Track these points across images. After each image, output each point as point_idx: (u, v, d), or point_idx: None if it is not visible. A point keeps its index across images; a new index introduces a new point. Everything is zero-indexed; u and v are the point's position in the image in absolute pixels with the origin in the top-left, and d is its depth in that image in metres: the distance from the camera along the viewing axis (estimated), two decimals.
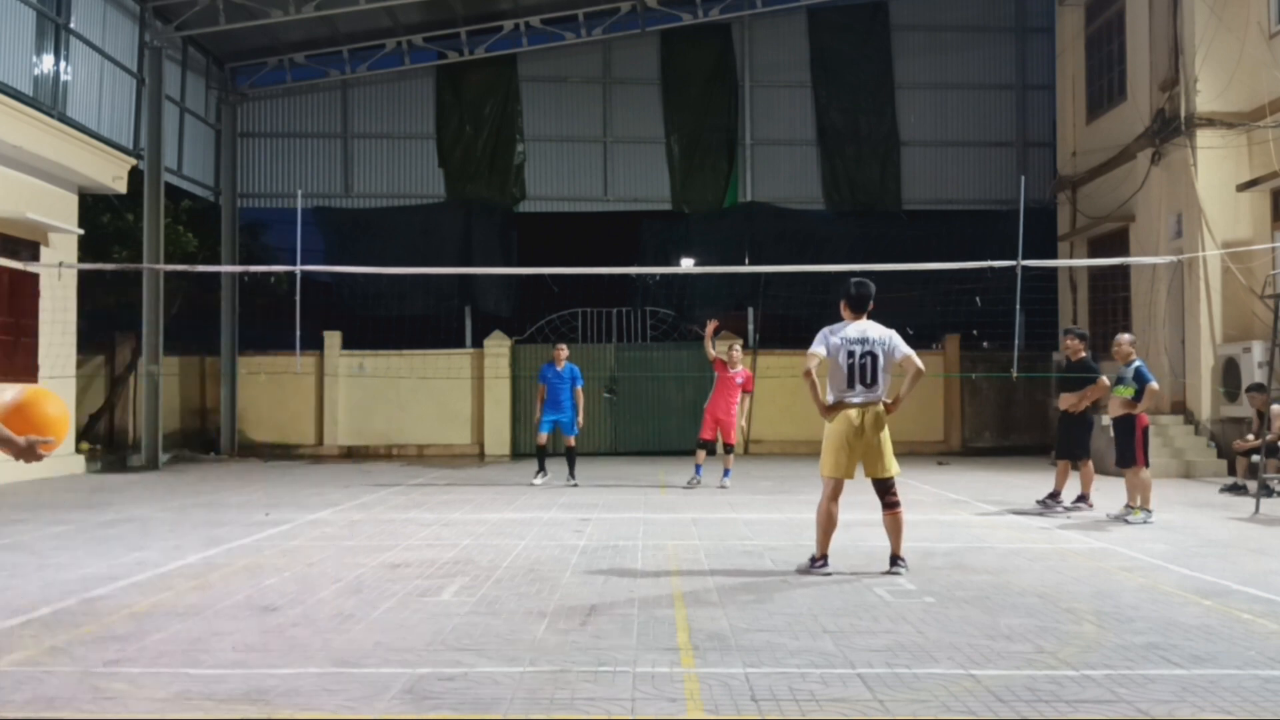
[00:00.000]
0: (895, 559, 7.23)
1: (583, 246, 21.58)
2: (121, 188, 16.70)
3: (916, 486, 13.34)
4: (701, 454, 13.88)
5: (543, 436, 13.98)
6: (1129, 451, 10.19)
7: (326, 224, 21.79)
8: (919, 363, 7.14)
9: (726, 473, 13.73)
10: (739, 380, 13.57)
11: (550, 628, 5.63)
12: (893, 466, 7.19)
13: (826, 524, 7.20)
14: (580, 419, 13.88)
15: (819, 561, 7.23)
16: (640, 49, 22.33)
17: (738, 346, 14.18)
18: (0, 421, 4.17)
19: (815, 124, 22.35)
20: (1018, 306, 12.90)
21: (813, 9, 22.29)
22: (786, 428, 20.33)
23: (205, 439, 20.84)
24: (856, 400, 7.11)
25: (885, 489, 7.20)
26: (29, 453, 4.21)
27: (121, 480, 14.93)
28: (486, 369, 20.49)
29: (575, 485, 13.61)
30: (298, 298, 13.67)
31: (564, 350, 13.95)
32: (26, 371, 15.06)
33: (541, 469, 14.01)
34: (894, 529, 7.24)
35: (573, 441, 13.98)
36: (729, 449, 13.81)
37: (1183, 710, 4.24)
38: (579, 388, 13.83)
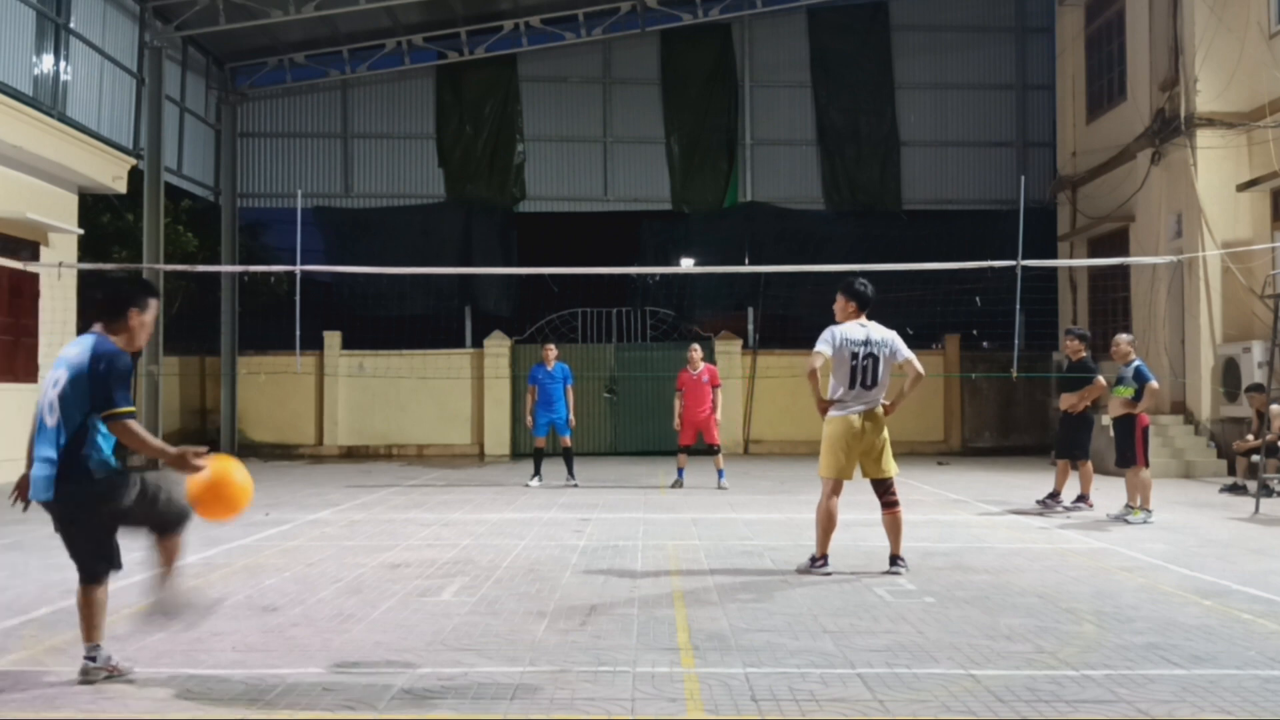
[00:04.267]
0: (895, 559, 7.24)
1: (583, 246, 21.59)
2: (121, 188, 16.70)
3: (916, 486, 13.34)
4: (682, 457, 13.92)
5: (540, 440, 13.92)
6: (1129, 451, 10.19)
7: (326, 224, 21.80)
8: (919, 366, 7.17)
9: (720, 474, 13.59)
10: (704, 379, 13.55)
11: (550, 628, 5.63)
12: (891, 467, 7.20)
13: (826, 524, 7.20)
14: (572, 418, 13.81)
15: (819, 561, 7.23)
16: (640, 49, 22.33)
17: (696, 346, 14.08)
18: (193, 499, 4.67)
19: (815, 124, 22.35)
20: (1018, 306, 12.90)
21: (813, 9, 22.29)
22: (786, 428, 20.33)
23: (205, 439, 20.81)
24: (856, 401, 7.12)
25: (884, 489, 7.21)
26: (180, 461, 4.54)
27: None
28: (486, 369, 20.49)
29: (575, 485, 13.56)
30: (298, 298, 13.67)
31: (553, 350, 13.85)
32: (26, 372, 15.06)
33: (537, 473, 13.90)
34: (893, 529, 7.24)
35: (569, 441, 13.92)
36: (715, 450, 13.68)
37: (1183, 710, 4.24)
38: (570, 386, 13.75)
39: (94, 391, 4.46)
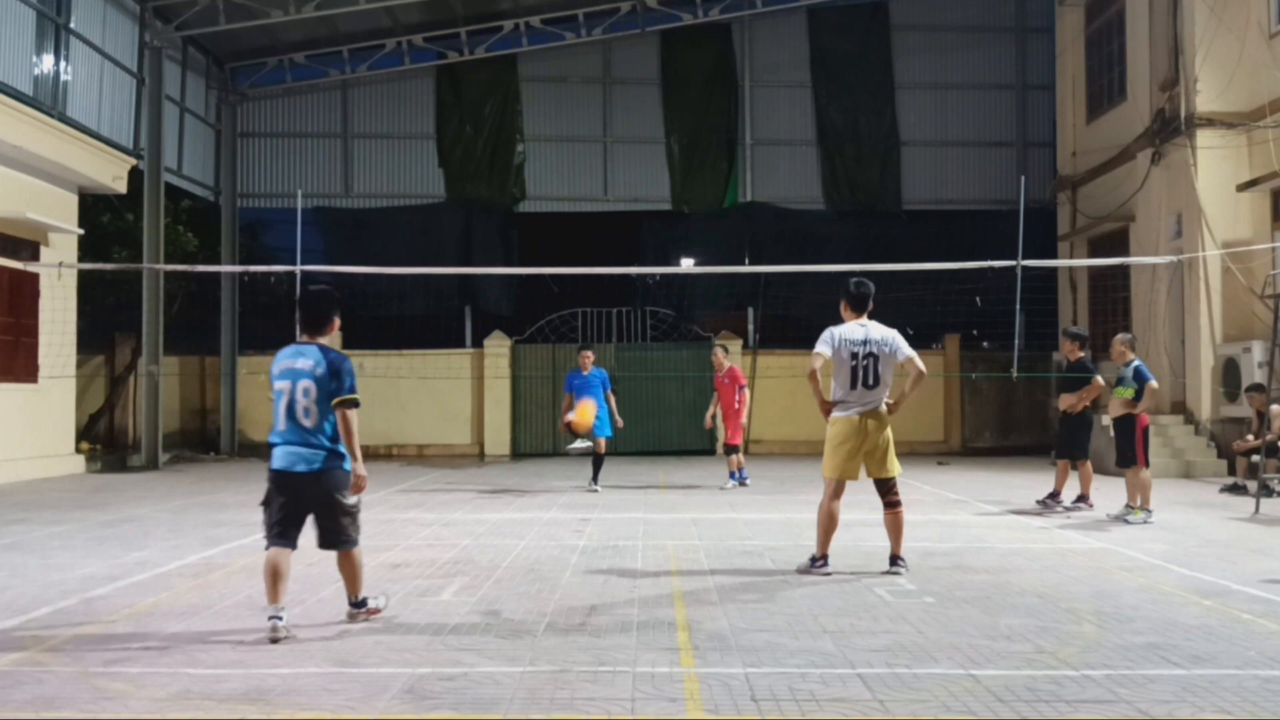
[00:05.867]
0: (895, 559, 7.23)
1: (583, 246, 21.57)
2: (121, 188, 16.70)
3: (917, 486, 13.33)
4: (733, 459, 13.56)
5: (570, 418, 12.92)
6: (1129, 451, 10.19)
7: (326, 224, 21.81)
8: (921, 365, 7.15)
9: (731, 476, 13.48)
10: (726, 381, 13.47)
11: (550, 628, 5.63)
12: (895, 467, 7.20)
13: (828, 524, 7.20)
14: (618, 420, 13.27)
15: (819, 561, 7.23)
16: (640, 49, 22.33)
17: (717, 349, 13.97)
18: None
19: (815, 124, 22.36)
20: (1018, 306, 12.89)
21: (813, 9, 22.30)
22: (786, 428, 20.32)
23: (205, 439, 20.83)
24: (859, 401, 7.11)
25: (887, 489, 7.20)
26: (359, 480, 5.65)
27: (121, 480, 14.93)
28: (486, 369, 20.49)
29: (595, 490, 12.97)
30: (298, 298, 13.64)
31: (590, 355, 13.32)
32: (27, 372, 15.06)
33: (595, 475, 13.21)
34: (894, 528, 7.23)
35: (603, 446, 13.25)
36: (731, 450, 13.51)
37: (1183, 710, 4.24)
38: (609, 391, 13.25)
39: (335, 386, 5.53)
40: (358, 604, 5.73)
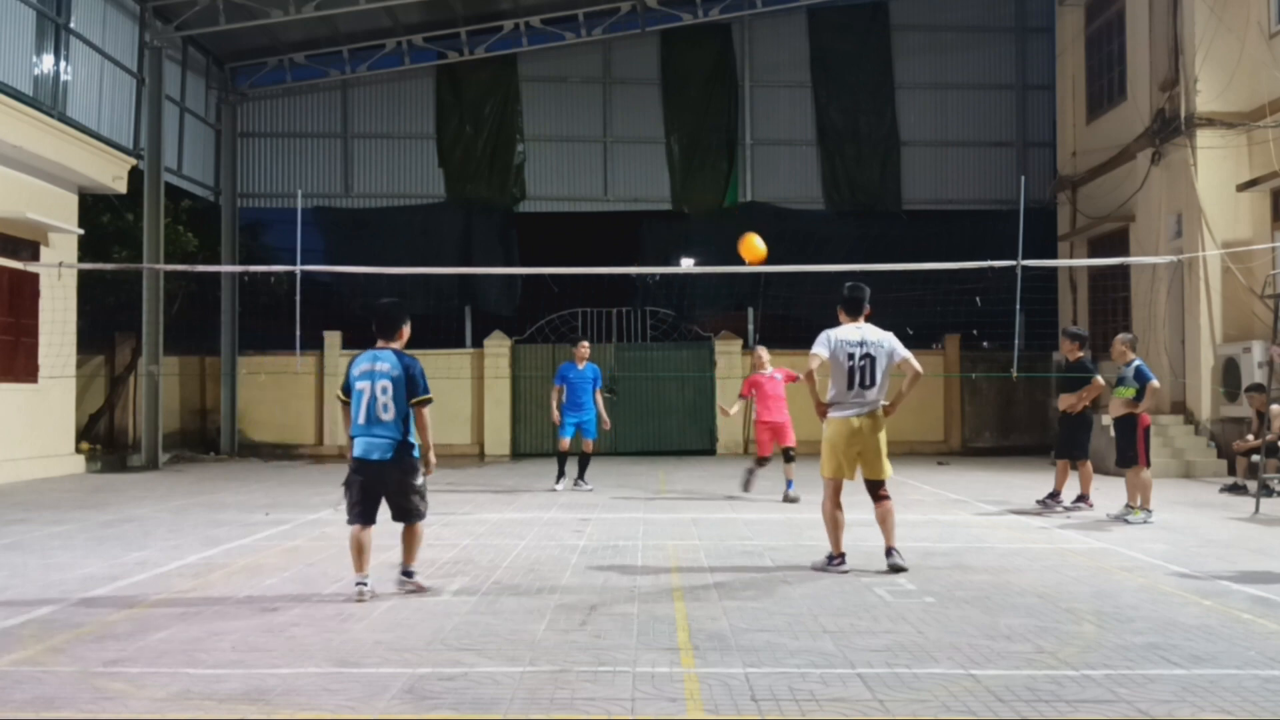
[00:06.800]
0: (890, 550, 7.27)
1: (583, 246, 21.56)
2: (121, 188, 16.70)
3: (917, 487, 13.32)
4: (758, 473, 12.47)
5: (565, 441, 13.08)
6: (1129, 451, 10.19)
7: (326, 224, 21.83)
8: (917, 365, 7.23)
9: (790, 484, 12.17)
10: (779, 376, 12.25)
11: (550, 628, 5.63)
12: (887, 469, 7.32)
13: (833, 523, 7.28)
14: (606, 422, 13.14)
15: (836, 559, 7.29)
16: (640, 49, 22.34)
17: (761, 349, 12.81)
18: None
19: (815, 124, 22.37)
20: (1018, 306, 12.88)
21: (813, 9, 22.31)
22: None
23: (205, 439, 20.83)
24: (854, 402, 7.15)
25: (878, 487, 7.33)
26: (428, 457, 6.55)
27: (121, 480, 14.93)
28: (486, 369, 20.49)
29: (590, 490, 13.01)
30: (298, 298, 13.64)
31: (586, 348, 13.09)
32: (27, 372, 15.06)
33: (562, 473, 13.26)
34: (885, 520, 7.32)
35: (591, 446, 13.26)
36: (789, 456, 12.36)
37: (1183, 710, 4.24)
38: (598, 389, 13.12)
39: (412, 387, 6.38)
40: (408, 573, 6.45)
